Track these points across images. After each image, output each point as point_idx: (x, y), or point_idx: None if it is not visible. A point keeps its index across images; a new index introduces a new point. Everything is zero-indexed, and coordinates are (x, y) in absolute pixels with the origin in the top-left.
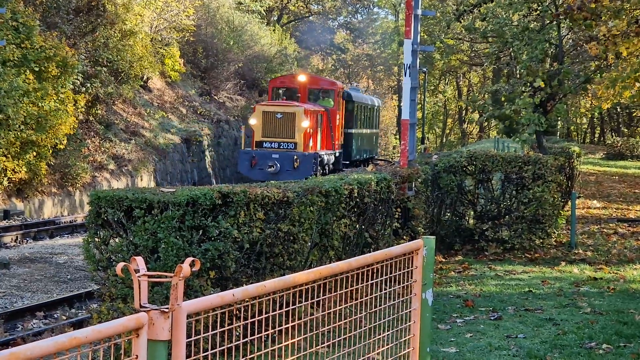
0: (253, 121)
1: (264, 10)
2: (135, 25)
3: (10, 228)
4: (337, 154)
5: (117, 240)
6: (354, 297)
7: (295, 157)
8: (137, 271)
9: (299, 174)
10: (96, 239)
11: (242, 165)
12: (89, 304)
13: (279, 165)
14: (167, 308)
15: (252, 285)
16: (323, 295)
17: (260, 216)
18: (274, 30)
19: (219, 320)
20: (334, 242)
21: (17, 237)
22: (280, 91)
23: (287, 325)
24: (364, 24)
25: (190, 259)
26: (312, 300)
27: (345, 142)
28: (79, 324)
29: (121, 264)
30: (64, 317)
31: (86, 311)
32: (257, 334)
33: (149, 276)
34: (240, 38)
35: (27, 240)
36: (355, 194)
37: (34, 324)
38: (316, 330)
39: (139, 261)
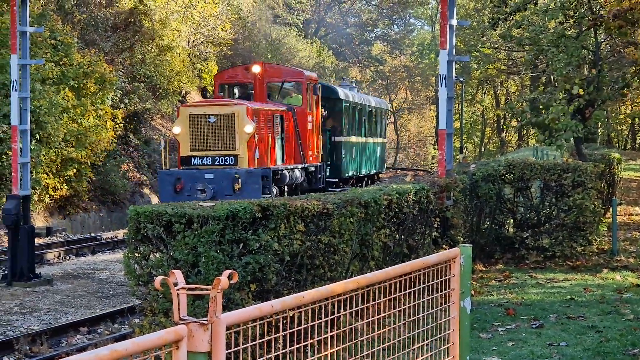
0: (177, 129)
1: (301, 23)
2: (173, 41)
3: (53, 245)
4: (312, 169)
5: (157, 255)
6: (393, 306)
7: (235, 175)
8: (175, 284)
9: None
10: (136, 254)
11: (163, 191)
12: (131, 319)
13: (212, 188)
14: (206, 320)
15: (290, 297)
16: (363, 305)
17: (301, 228)
18: (311, 43)
19: (257, 332)
20: (374, 253)
21: (59, 253)
22: (231, 89)
23: (327, 335)
24: (400, 35)
25: (228, 271)
26: (352, 310)
27: (332, 153)
28: (121, 339)
29: (160, 278)
30: (107, 332)
31: (128, 326)
32: (298, 344)
33: (188, 289)
34: (278, 51)
35: (70, 257)
36: (394, 205)
37: (78, 339)
38: (356, 339)
39: (178, 274)
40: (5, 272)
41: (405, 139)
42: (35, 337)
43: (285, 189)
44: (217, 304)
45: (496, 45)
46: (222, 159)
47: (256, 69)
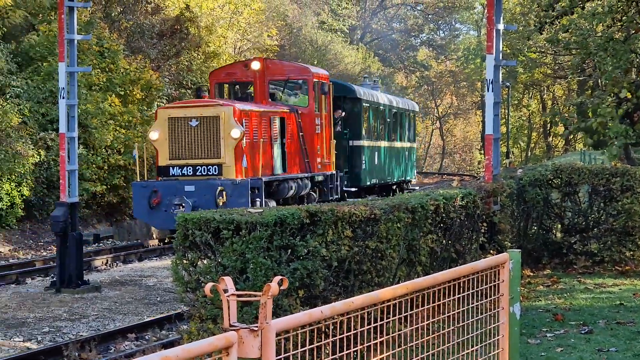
0: (154, 135)
1: (347, 29)
2: (219, 47)
3: (101, 252)
4: (321, 178)
5: (205, 261)
6: (441, 312)
7: (219, 188)
8: (225, 291)
9: None
10: (184, 261)
11: (137, 206)
12: (179, 326)
13: (192, 202)
14: (256, 326)
15: (339, 302)
16: (410, 311)
17: (348, 234)
18: (357, 48)
19: (307, 337)
20: (422, 258)
21: (107, 260)
22: (228, 88)
23: (375, 341)
24: (446, 40)
25: (278, 277)
26: (400, 316)
27: (350, 160)
28: (169, 345)
29: (210, 284)
30: (155, 339)
31: (176, 332)
32: (346, 350)
33: (238, 296)
34: (324, 57)
35: (117, 264)
36: (441, 210)
37: (126, 345)
38: (405, 345)
39: (228, 281)
40: (54, 279)
41: (451, 144)
42: (84, 343)
43: (298, 200)
44: (267, 310)
45: (542, 50)
46: (204, 169)
47: (255, 65)
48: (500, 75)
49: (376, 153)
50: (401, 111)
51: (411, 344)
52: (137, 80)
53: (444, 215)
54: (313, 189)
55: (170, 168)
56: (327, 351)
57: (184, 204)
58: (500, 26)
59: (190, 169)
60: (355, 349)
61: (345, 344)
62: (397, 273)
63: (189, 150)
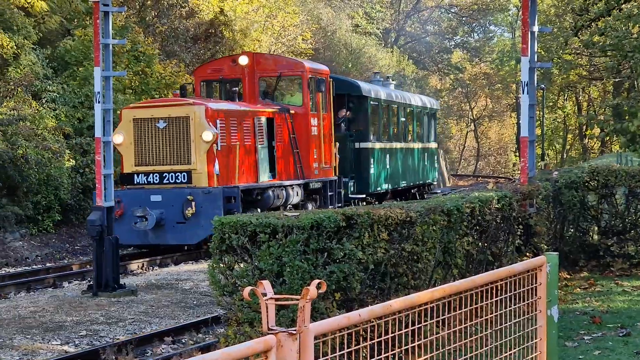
0: (118, 138)
1: (381, 32)
2: (253, 51)
3: (137, 255)
4: (318, 185)
5: (241, 265)
6: (477, 315)
7: (188, 197)
8: (264, 295)
9: (196, 229)
10: (221, 265)
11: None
12: (215, 329)
13: (156, 214)
14: (295, 330)
15: (378, 305)
16: (447, 314)
17: (384, 237)
18: (391, 51)
19: (345, 341)
20: (457, 261)
21: (143, 264)
22: (215, 86)
23: (412, 345)
24: (480, 42)
25: (316, 281)
26: (437, 319)
27: (356, 164)
28: (206, 349)
29: (248, 288)
30: (192, 342)
31: (213, 336)
32: (383, 354)
33: (276, 299)
34: (359, 60)
35: (153, 267)
36: (477, 212)
37: (163, 349)
38: (442, 349)
39: (266, 285)
40: (91, 283)
41: (486, 146)
42: (121, 346)
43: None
44: (306, 313)
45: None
46: (172, 176)
47: (243, 60)
48: (536, 77)
49: (388, 155)
50: (418, 109)
51: (448, 347)
52: (172, 84)
53: (479, 217)
54: (310, 197)
55: (135, 175)
56: (364, 354)
57: (147, 216)
58: (535, 28)
59: (157, 176)
60: (392, 352)
61: (383, 347)
62: (433, 276)
63: (156, 155)
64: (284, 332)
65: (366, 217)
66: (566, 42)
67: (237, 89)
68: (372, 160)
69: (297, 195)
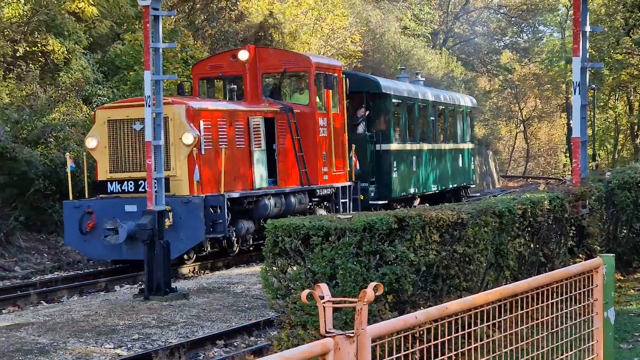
0: (92, 142)
1: (429, 33)
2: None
3: (188, 259)
4: (327, 192)
5: (294, 268)
6: (532, 318)
7: (166, 206)
8: (321, 297)
9: (175, 243)
10: (274, 268)
11: (68, 230)
12: (267, 332)
13: (128, 227)
14: (352, 333)
15: (433, 308)
16: (504, 316)
17: (436, 239)
18: (440, 53)
19: (402, 343)
20: (510, 262)
21: (194, 268)
22: (215, 84)
23: (466, 348)
24: (529, 43)
25: (373, 283)
26: (492, 322)
27: (377, 167)
28: (258, 352)
29: (306, 291)
30: (244, 345)
31: (265, 339)
32: (439, 356)
33: (333, 302)
34: (407, 63)
35: (205, 271)
36: (529, 214)
37: (215, 352)
38: (496, 352)
39: (323, 288)
40: (143, 287)
41: (536, 147)
42: (174, 350)
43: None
44: (363, 316)
45: (629, 51)
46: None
47: (243, 55)
48: (587, 77)
49: (414, 158)
50: (451, 107)
51: (502, 350)
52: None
53: (531, 219)
54: (320, 205)
55: (109, 183)
56: (418, 357)
57: (118, 228)
58: (587, 28)
59: (132, 184)
60: (448, 355)
61: (439, 350)
62: (485, 278)
63: (132, 160)
64: (342, 334)
65: (418, 219)
66: (617, 41)
67: (235, 86)
68: (394, 163)
69: (301, 203)
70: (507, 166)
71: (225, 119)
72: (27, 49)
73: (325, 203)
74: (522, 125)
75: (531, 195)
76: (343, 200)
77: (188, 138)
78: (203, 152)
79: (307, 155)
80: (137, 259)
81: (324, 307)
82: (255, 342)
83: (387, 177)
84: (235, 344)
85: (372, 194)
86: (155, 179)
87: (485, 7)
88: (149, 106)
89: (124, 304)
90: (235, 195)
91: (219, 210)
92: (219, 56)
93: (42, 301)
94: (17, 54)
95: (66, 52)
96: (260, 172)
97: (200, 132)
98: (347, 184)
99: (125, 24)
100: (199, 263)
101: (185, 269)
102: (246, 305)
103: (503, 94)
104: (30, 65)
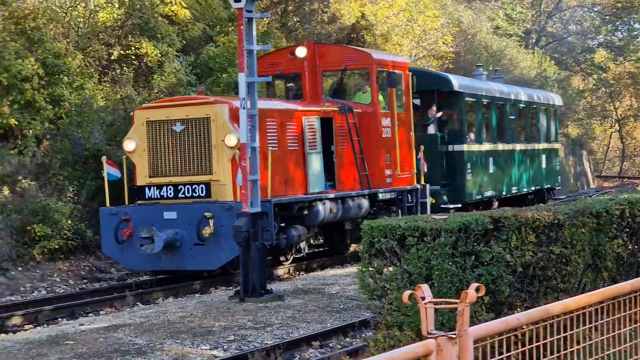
0: (130, 145)
1: (522, 33)
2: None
3: (285, 261)
4: (389, 196)
5: (390, 269)
6: (635, 320)
7: (206, 214)
8: (422, 298)
9: (216, 252)
10: (370, 269)
11: (105, 239)
12: (362, 333)
13: (168, 236)
14: (454, 334)
15: (535, 310)
16: (602, 319)
17: (532, 239)
18: (532, 53)
19: (505, 346)
20: (608, 264)
21: (289, 269)
22: (279, 83)
23: (568, 350)
24: (624, 41)
25: (475, 284)
26: (593, 324)
27: (449, 169)
28: (354, 353)
29: (408, 292)
30: (339, 347)
31: (360, 340)
32: (542, 359)
33: (435, 303)
34: (499, 63)
35: (299, 273)
36: (627, 214)
37: (311, 353)
38: (597, 354)
39: (425, 288)
40: (238, 288)
41: (631, 146)
42: (270, 351)
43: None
44: (465, 317)
45: None
46: (189, 189)
47: (301, 52)
48: None
49: (491, 159)
50: (533, 106)
51: (606, 353)
52: None
53: (629, 219)
54: (383, 209)
55: (147, 189)
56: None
57: (154, 237)
58: None
59: (171, 189)
60: (551, 357)
61: (541, 353)
62: (582, 279)
63: (172, 164)
64: (444, 336)
65: (513, 219)
66: None
67: (293, 85)
68: (468, 164)
69: (360, 208)
70: (601, 166)
71: (275, 119)
72: (121, 52)
73: (392, 207)
74: (617, 124)
75: (629, 195)
76: (409, 205)
77: (231, 140)
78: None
79: (368, 157)
80: (177, 269)
81: (426, 308)
82: (350, 343)
83: (460, 179)
84: (331, 345)
85: (444, 198)
86: (250, 180)
87: (579, 6)
88: (244, 108)
89: (219, 306)
90: (284, 200)
91: (265, 217)
92: (277, 53)
93: (138, 302)
94: (112, 58)
95: (159, 55)
96: (315, 176)
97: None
98: (414, 187)
99: (218, 27)
100: (294, 264)
101: (280, 271)
102: (341, 306)
103: (597, 93)
104: (125, 68)
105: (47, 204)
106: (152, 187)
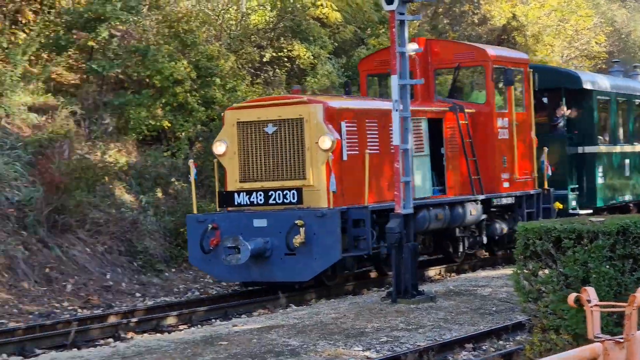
0: (221, 147)
1: None
2: (546, 56)
3: (435, 262)
4: (508, 201)
5: (546, 271)
6: None
7: (297, 222)
8: (589, 302)
9: (308, 262)
10: (525, 271)
11: (191, 248)
12: (516, 336)
13: (257, 246)
14: (622, 338)
15: None
16: None
17: None
18: None
19: None
20: None
21: (440, 270)
22: (383, 81)
23: None
24: None
25: None
26: None
27: (578, 172)
28: (508, 356)
29: (573, 295)
30: (492, 349)
31: (513, 343)
32: None
33: (601, 306)
34: None
35: (451, 274)
36: None
37: (464, 355)
38: None
39: (591, 292)
40: (390, 290)
41: None
42: (422, 353)
43: (463, 239)
44: (633, 321)
45: None
46: (280, 195)
47: (414, 47)
48: None
49: (627, 161)
50: None
51: None
52: None
53: None
54: (499, 215)
55: (235, 195)
56: None
57: (240, 246)
58: None
59: (261, 195)
60: None
61: None
62: None
63: (263, 168)
64: (610, 340)
65: None
66: None
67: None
68: (600, 167)
69: (471, 214)
70: None
71: (375, 120)
72: (274, 54)
73: (510, 213)
74: None
75: None
76: (529, 211)
77: (325, 142)
78: (345, 159)
79: (482, 160)
80: (267, 280)
81: (592, 311)
82: (504, 346)
83: (590, 183)
84: (484, 347)
85: (573, 203)
86: (403, 182)
87: None
88: (396, 110)
89: (371, 307)
90: (383, 207)
91: (362, 224)
92: (388, 50)
93: (291, 304)
94: (264, 60)
95: (312, 57)
96: (421, 180)
97: (341, 135)
98: (535, 191)
99: (369, 29)
100: (444, 266)
101: (431, 272)
102: (493, 309)
103: None
104: (277, 70)
105: (200, 205)
106: (242, 193)
